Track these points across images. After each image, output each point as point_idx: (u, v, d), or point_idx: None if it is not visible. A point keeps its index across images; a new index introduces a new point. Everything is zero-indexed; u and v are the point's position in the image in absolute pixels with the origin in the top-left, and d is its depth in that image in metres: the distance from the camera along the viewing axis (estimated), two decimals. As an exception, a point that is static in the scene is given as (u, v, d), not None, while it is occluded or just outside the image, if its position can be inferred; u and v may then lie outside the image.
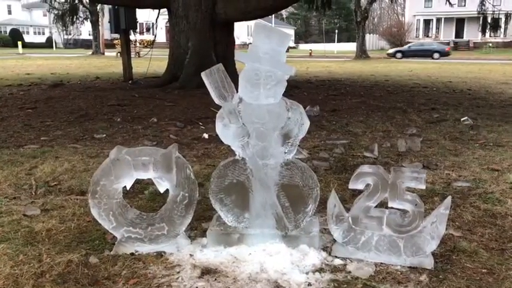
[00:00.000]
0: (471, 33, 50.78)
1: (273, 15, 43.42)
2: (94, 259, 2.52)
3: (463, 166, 4.42)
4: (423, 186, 2.44)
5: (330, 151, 4.96)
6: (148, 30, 37.49)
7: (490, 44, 45.74)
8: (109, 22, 12.35)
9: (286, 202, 2.57)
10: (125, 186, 2.59)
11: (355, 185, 2.51)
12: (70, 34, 53.42)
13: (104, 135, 5.75)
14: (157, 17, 12.46)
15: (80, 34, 58.42)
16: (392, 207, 2.50)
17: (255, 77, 2.44)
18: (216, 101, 2.52)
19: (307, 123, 2.54)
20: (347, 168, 4.33)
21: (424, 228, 2.46)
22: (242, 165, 2.57)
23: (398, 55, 37.21)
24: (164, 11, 11.98)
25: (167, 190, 2.63)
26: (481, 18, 16.44)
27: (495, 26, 16.91)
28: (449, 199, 2.46)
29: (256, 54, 2.44)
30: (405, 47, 39.82)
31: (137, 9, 12.68)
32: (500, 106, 8.56)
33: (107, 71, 17.47)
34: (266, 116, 2.49)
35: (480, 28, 17.73)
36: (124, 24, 11.85)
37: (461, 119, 6.88)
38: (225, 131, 2.53)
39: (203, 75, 2.48)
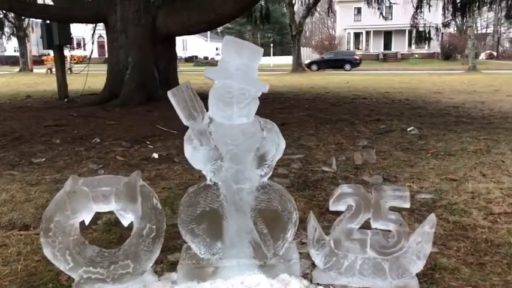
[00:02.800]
0: (398, 45, 53.34)
1: (209, 29, 43.27)
2: (49, 307, 2.20)
3: (422, 177, 4.43)
4: (408, 205, 2.34)
5: (287, 166, 4.83)
6: (79, 45, 36.16)
7: (416, 55, 48.16)
8: (41, 37, 11.66)
9: (264, 228, 2.37)
10: (83, 221, 2.30)
11: (336, 206, 2.37)
12: (-7, 51, 50.53)
13: (43, 159, 5.30)
14: (94, 31, 11.92)
15: (5, 50, 55.46)
16: (376, 228, 2.38)
17: (228, 95, 2.25)
18: (185, 121, 2.30)
19: (283, 143, 2.37)
20: (309, 185, 4.21)
21: (409, 249, 2.35)
22: (215, 191, 2.35)
23: None
24: (99, 24, 11.53)
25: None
26: (414, 30, 17.24)
27: (426, 38, 17.79)
28: (433, 216, 2.37)
29: (227, 71, 2.25)
30: None
31: (71, 24, 12.11)
32: (439, 115, 8.85)
33: (38, 89, 16.54)
34: (240, 137, 2.30)
35: (414, 40, 18.60)
36: (58, 40, 11.23)
37: (408, 129, 7.01)
38: (195, 154, 2.30)
39: (170, 94, 2.25)
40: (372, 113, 9.13)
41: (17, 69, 38.49)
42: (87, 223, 2.31)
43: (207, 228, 2.36)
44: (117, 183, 2.28)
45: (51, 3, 11.52)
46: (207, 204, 2.35)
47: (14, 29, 34.23)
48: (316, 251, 2.41)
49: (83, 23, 11.34)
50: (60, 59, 11.67)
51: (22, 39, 36.17)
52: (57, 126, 7.39)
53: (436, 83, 18.55)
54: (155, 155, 5.43)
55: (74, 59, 36.69)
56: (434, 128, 7.26)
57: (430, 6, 13.78)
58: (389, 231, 2.38)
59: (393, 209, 3.17)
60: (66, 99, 11.03)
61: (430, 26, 17.02)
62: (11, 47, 50.08)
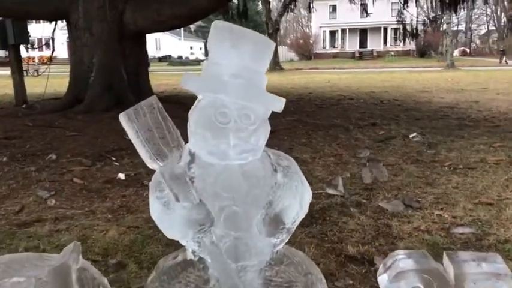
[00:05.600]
0: (374, 43, 53.18)
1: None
2: None
3: (449, 201, 3.62)
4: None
5: (283, 189, 3.95)
6: (47, 45, 34.64)
7: (392, 53, 48.05)
8: (-7, 37, 10.53)
9: (282, 329, 1.49)
10: None
11: (394, 290, 1.51)
12: (-46, 53, 48.12)
13: (-19, 184, 4.30)
14: (54, 29, 10.83)
15: (-32, 53, 53.16)
16: (454, 321, 1.53)
17: (221, 119, 1.36)
18: (149, 162, 1.41)
19: (309, 193, 1.50)
20: (315, 216, 3.34)
21: None
22: (201, 273, 1.46)
23: None
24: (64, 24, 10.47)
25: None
26: (401, 27, 16.65)
27: (414, 34, 17.21)
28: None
29: (219, 79, 1.36)
30: None
31: (31, 22, 11.03)
32: (438, 117, 8.13)
33: (-2, 93, 15.28)
34: (242, 185, 1.41)
35: (400, 36, 18.06)
36: (13, 39, 10.09)
37: (410, 136, 6.24)
38: (167, 216, 1.40)
39: (123, 118, 1.36)
40: (364, 116, 8.35)
41: (-20, 71, 36.61)
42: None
43: (189, 332, 1.47)
44: (39, 269, 1.37)
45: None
46: (188, 295, 1.45)
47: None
48: None
49: (40, 19, 10.24)
50: (16, 60, 10.52)
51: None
52: (7, 139, 6.33)
53: (420, 81, 18.00)
54: (121, 176, 4.50)
55: (43, 60, 35.19)
56: (438, 133, 6.50)
57: (417, 1, 13.20)
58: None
59: (429, 250, 2.33)
60: (24, 106, 9.91)
61: (416, 22, 16.46)
62: (-25, 48, 47.75)
